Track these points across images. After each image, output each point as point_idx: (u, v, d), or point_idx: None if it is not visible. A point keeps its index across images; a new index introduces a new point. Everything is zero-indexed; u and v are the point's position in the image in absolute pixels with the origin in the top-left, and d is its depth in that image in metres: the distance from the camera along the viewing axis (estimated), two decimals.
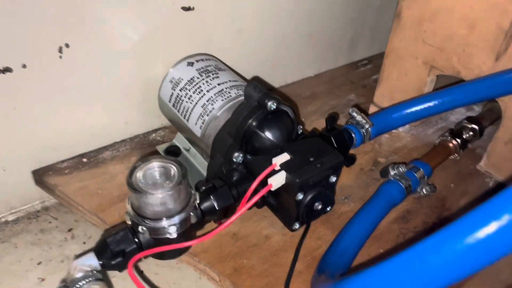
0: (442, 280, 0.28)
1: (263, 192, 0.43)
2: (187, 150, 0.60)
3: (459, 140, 0.60)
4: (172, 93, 0.56)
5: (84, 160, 0.60)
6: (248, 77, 0.74)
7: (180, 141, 0.62)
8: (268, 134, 0.47)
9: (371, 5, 0.86)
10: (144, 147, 0.64)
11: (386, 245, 0.52)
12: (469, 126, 0.61)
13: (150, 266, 0.51)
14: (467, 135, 0.61)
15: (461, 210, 0.58)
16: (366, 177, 0.62)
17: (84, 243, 0.55)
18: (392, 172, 0.53)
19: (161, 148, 0.62)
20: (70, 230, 0.57)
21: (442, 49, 0.57)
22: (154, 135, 0.67)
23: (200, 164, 0.58)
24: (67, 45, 0.52)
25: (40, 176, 0.57)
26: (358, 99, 0.80)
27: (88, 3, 0.51)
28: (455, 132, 0.61)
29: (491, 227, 0.26)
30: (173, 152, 0.60)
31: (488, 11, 0.51)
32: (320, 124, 0.72)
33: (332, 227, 0.53)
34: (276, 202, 0.48)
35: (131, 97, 0.62)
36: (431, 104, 0.55)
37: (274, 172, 0.44)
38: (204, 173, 0.56)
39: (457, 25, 0.54)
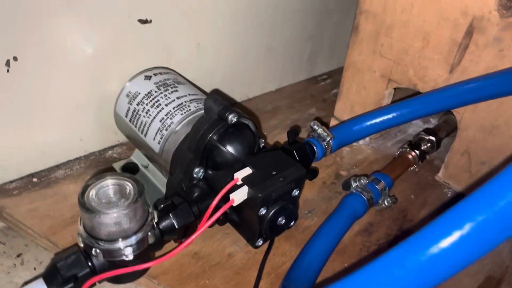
0: None
1: (225, 208, 0.41)
2: (146, 167, 0.58)
3: (417, 152, 0.61)
4: (129, 108, 0.54)
5: (35, 180, 0.57)
6: (209, 91, 0.73)
7: (138, 158, 0.59)
8: (230, 148, 0.46)
9: (329, 21, 0.87)
10: (100, 165, 0.61)
11: (350, 259, 0.52)
12: (427, 137, 0.62)
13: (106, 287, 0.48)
14: (425, 146, 0.62)
15: (422, 221, 0.58)
16: (328, 190, 0.62)
17: (35, 269, 0.52)
18: (354, 185, 0.53)
19: (118, 165, 0.59)
20: (19, 255, 0.53)
21: (399, 62, 0.58)
22: (110, 152, 0.64)
23: (159, 181, 0.56)
24: (15, 58, 0.49)
25: None
26: (319, 112, 0.80)
27: (37, 12, 0.48)
28: (414, 144, 0.62)
29: (454, 237, 0.26)
30: (131, 170, 0.58)
31: (441, 24, 0.52)
32: (282, 138, 0.72)
33: (296, 242, 0.52)
34: (238, 218, 0.47)
35: (86, 113, 0.59)
36: (390, 116, 0.55)
37: (236, 187, 0.43)
38: (163, 191, 0.54)
39: (412, 38, 0.56)
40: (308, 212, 0.58)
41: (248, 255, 0.50)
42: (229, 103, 0.67)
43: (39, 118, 0.55)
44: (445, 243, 0.26)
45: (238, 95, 0.80)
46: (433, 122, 0.77)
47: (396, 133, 0.75)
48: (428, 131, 0.64)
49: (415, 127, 0.76)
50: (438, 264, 0.26)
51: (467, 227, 0.25)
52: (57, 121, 0.57)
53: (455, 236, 0.25)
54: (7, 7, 0.46)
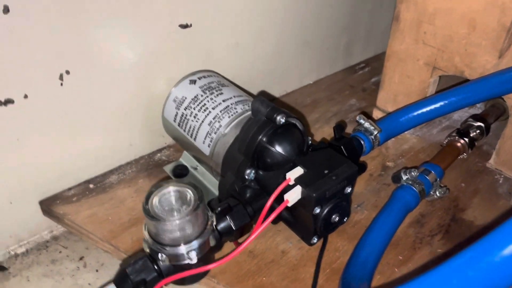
0: None
1: (280, 209, 0.42)
2: (195, 169, 0.60)
3: (466, 140, 0.59)
4: (177, 113, 0.55)
5: (91, 186, 0.59)
6: (249, 88, 0.74)
7: (186, 159, 0.61)
8: (279, 149, 0.47)
9: (364, 9, 0.86)
10: (150, 168, 0.63)
11: (404, 251, 0.52)
12: (475, 124, 0.61)
13: None
14: (474, 133, 0.61)
15: (474, 210, 0.57)
16: (376, 182, 0.62)
17: (97, 270, 0.54)
18: (404, 177, 0.53)
19: (168, 168, 0.61)
20: (81, 258, 0.56)
21: (444, 50, 0.57)
22: (159, 154, 0.66)
23: (210, 182, 0.57)
24: (67, 72, 0.52)
25: (48, 206, 0.56)
26: (359, 103, 0.80)
27: (84, 26, 0.50)
28: (462, 132, 0.61)
29: None
30: (181, 172, 0.60)
31: (488, 9, 0.51)
32: (324, 131, 0.72)
33: (348, 237, 0.53)
34: (292, 217, 0.48)
35: (134, 119, 0.61)
36: (437, 105, 0.55)
37: (289, 187, 0.44)
38: (214, 191, 0.55)
39: (457, 25, 0.54)
40: (358, 206, 0.58)
41: (302, 252, 0.51)
42: (270, 100, 0.67)
43: (91, 127, 0.57)
44: None
45: (276, 91, 0.81)
46: (479, 106, 0.75)
47: (441, 120, 0.73)
48: (476, 117, 0.62)
49: (461, 112, 0.74)
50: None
51: None
52: (108, 128, 0.59)
53: None
54: (57, 24, 0.48)
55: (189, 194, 0.39)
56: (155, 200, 0.38)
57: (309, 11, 0.76)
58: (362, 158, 0.64)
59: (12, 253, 0.56)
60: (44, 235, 0.58)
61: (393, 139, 0.68)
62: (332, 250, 0.51)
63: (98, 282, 0.53)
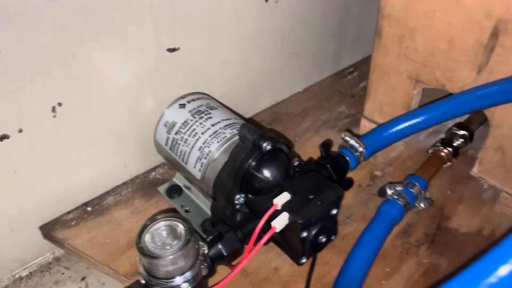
0: None
1: (267, 236, 0.44)
2: (188, 188, 0.62)
3: (450, 149, 0.61)
4: (168, 137, 0.57)
5: (89, 209, 0.62)
6: (239, 101, 0.75)
7: (180, 179, 0.63)
8: (267, 175, 0.49)
9: (350, 16, 0.87)
10: (146, 187, 0.65)
11: (392, 263, 0.54)
12: (459, 133, 0.63)
13: None
14: (458, 142, 0.62)
15: (459, 218, 0.59)
16: (365, 193, 0.64)
17: None
18: (389, 192, 0.55)
19: (162, 189, 0.63)
20: (83, 278, 0.58)
21: (425, 64, 0.58)
22: (153, 173, 0.68)
23: (202, 201, 0.59)
24: (59, 104, 0.53)
25: (48, 231, 0.58)
26: (348, 110, 0.81)
27: (73, 59, 0.52)
28: (446, 141, 0.63)
29: None
30: (175, 191, 0.62)
31: (466, 27, 0.52)
32: (314, 141, 0.73)
33: (338, 250, 0.55)
34: (281, 239, 0.50)
35: (128, 141, 0.63)
36: (419, 119, 0.56)
37: (276, 213, 0.46)
38: (207, 210, 0.57)
39: (437, 41, 0.56)
40: (347, 218, 0.60)
41: (293, 268, 0.53)
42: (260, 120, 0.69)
43: (86, 153, 0.59)
44: None
45: (267, 100, 0.82)
46: None
47: None
48: (459, 126, 0.64)
49: None
50: None
51: None
52: (102, 153, 0.61)
53: None
54: (47, 59, 0.49)
55: (179, 228, 0.41)
56: (147, 237, 0.40)
57: (296, 24, 0.77)
58: None
59: (17, 276, 0.58)
60: (47, 257, 0.61)
61: None
62: (321, 265, 0.53)
63: None
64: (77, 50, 0.51)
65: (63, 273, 0.60)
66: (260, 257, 0.55)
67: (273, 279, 0.52)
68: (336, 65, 0.92)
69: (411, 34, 0.58)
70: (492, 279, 0.26)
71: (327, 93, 0.86)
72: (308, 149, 0.72)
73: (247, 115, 0.79)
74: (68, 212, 0.61)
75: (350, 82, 0.90)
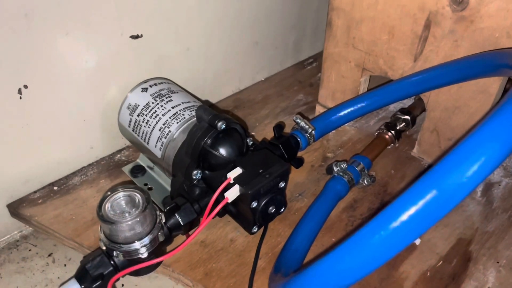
0: (380, 260, 0.33)
1: (220, 205, 0.48)
2: (151, 168, 0.65)
3: (393, 132, 0.67)
4: (131, 119, 0.61)
5: (55, 188, 0.64)
6: (202, 88, 0.79)
7: (143, 160, 0.66)
8: (221, 152, 0.53)
9: (310, 8, 0.92)
10: (111, 168, 0.68)
11: (337, 233, 0.59)
12: (402, 117, 0.69)
13: (130, 278, 0.56)
14: (401, 126, 0.68)
15: (400, 193, 0.65)
16: (316, 173, 0.69)
17: (65, 265, 0.60)
18: (335, 169, 0.60)
19: (126, 169, 0.66)
20: (50, 254, 0.61)
21: (370, 53, 0.64)
22: (119, 155, 0.71)
23: (165, 180, 0.63)
24: (25, 86, 0.56)
25: (15, 208, 0.61)
26: (306, 98, 0.86)
27: (38, 43, 0.54)
28: (390, 124, 0.68)
29: (411, 210, 0.31)
30: (139, 171, 0.65)
31: (403, 19, 0.58)
32: (272, 127, 0.78)
33: (289, 223, 0.60)
34: (235, 210, 0.54)
35: (93, 124, 0.66)
36: (363, 104, 0.62)
37: (229, 186, 0.50)
38: (168, 188, 0.61)
39: (380, 31, 0.61)
40: (299, 194, 0.65)
41: (248, 239, 0.58)
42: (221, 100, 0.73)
43: (52, 134, 0.62)
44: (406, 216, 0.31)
45: (230, 88, 0.86)
46: (413, 97, 0.82)
47: (379, 111, 0.81)
48: (403, 111, 0.70)
49: (396, 103, 0.82)
50: (400, 234, 0.32)
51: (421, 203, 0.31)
52: (68, 134, 0.64)
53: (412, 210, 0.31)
54: (13, 42, 0.52)
55: (138, 197, 0.45)
56: (107, 205, 0.44)
57: (258, 14, 0.81)
58: (306, 151, 0.71)
59: None
60: (14, 235, 0.63)
61: (334, 131, 0.76)
62: (274, 236, 0.58)
63: (66, 276, 0.58)
64: (42, 35, 0.54)
65: (30, 250, 0.62)
66: (218, 230, 0.59)
67: (229, 249, 0.57)
68: (296, 56, 0.97)
69: (357, 25, 0.63)
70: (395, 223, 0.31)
71: (287, 82, 0.91)
72: (267, 133, 0.77)
73: (211, 101, 0.83)
74: (35, 191, 0.63)
75: (309, 72, 0.95)
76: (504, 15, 0.49)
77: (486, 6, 0.49)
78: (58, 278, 0.58)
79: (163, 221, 0.48)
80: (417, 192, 0.31)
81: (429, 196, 0.30)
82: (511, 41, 0.50)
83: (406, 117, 0.68)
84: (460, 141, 0.31)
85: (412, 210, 0.30)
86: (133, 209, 0.44)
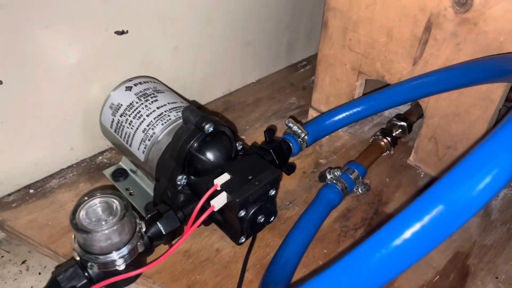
0: (379, 281, 0.30)
1: (205, 214, 0.45)
2: (134, 172, 0.62)
3: (389, 138, 0.64)
4: (113, 119, 0.57)
5: (31, 191, 0.61)
6: (191, 88, 0.76)
7: (126, 163, 0.63)
8: (208, 156, 0.50)
9: (304, 9, 0.89)
10: (92, 171, 0.65)
11: (329, 244, 0.56)
12: (398, 123, 0.66)
13: None
14: (397, 132, 0.65)
15: (396, 203, 0.62)
16: (308, 180, 0.66)
17: (40, 273, 0.56)
18: (328, 176, 0.57)
19: (108, 172, 0.63)
20: (24, 262, 0.57)
21: (367, 56, 0.61)
22: (101, 157, 0.67)
23: (148, 185, 0.59)
24: (0, 82, 0.52)
25: None
26: (298, 101, 0.83)
27: (18, 36, 0.51)
28: (386, 131, 0.66)
29: (416, 227, 0.28)
30: (121, 175, 0.62)
31: (402, 20, 0.55)
32: (263, 130, 0.75)
33: (279, 233, 0.57)
34: (221, 219, 0.51)
35: (74, 123, 0.62)
36: (359, 109, 0.59)
37: (216, 193, 0.47)
38: (151, 193, 0.58)
39: (377, 33, 0.58)
40: (290, 202, 0.62)
41: (235, 249, 0.54)
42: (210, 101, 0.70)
43: (30, 133, 0.58)
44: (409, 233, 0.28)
45: (220, 90, 0.83)
46: (410, 103, 0.80)
47: (373, 117, 0.78)
48: (399, 117, 0.67)
49: (392, 109, 0.79)
50: (402, 253, 0.29)
51: (426, 218, 0.27)
52: (47, 134, 0.60)
53: (417, 226, 0.28)
54: None
55: (115, 204, 0.41)
56: (82, 213, 0.40)
57: (249, 13, 0.78)
58: (298, 157, 0.68)
59: None
60: None
61: (327, 137, 0.73)
62: (263, 246, 0.55)
63: (40, 285, 0.54)
64: (19, 27, 0.51)
65: (3, 256, 0.58)
66: (204, 239, 0.56)
67: (215, 260, 0.53)
68: (289, 58, 0.94)
69: (354, 26, 0.60)
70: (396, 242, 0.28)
71: (279, 85, 0.88)
72: (257, 137, 0.74)
73: (200, 102, 0.80)
74: (9, 194, 0.60)
75: (302, 75, 0.92)
76: (510, 18, 0.46)
77: (491, 8, 0.47)
78: (32, 287, 0.54)
79: (143, 230, 0.44)
80: (422, 206, 0.28)
81: (435, 211, 0.27)
82: None
83: (403, 123, 0.66)
84: (470, 151, 0.28)
85: (417, 227, 0.27)
86: (110, 217, 0.40)
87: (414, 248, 0.28)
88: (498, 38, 0.48)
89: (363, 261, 0.30)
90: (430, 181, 0.63)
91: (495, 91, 0.51)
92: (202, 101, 0.81)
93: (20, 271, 0.56)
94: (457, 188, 0.27)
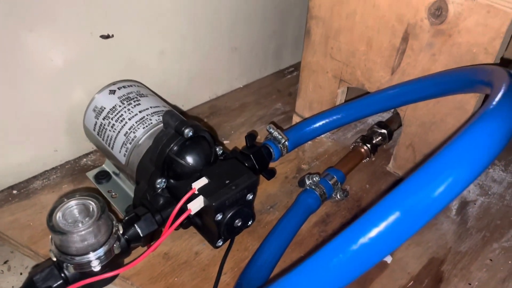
0: (340, 282, 0.31)
1: (182, 218, 0.46)
2: (117, 175, 0.62)
3: (369, 145, 0.65)
4: (96, 122, 0.58)
5: (14, 192, 0.61)
6: (177, 93, 0.77)
7: (109, 166, 0.64)
8: (188, 160, 0.51)
9: (292, 15, 0.90)
10: (75, 173, 0.65)
11: (307, 249, 0.57)
12: (379, 131, 0.67)
13: None
14: (377, 139, 0.67)
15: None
16: (290, 185, 0.67)
17: (21, 274, 0.56)
18: (307, 182, 0.58)
19: (91, 174, 0.63)
20: (6, 262, 0.58)
21: (348, 64, 0.62)
22: (85, 159, 0.68)
23: (130, 188, 0.60)
24: None
25: None
26: (284, 107, 0.84)
27: (2, 38, 0.52)
28: (366, 138, 0.67)
29: (373, 232, 0.29)
30: (103, 178, 0.62)
31: (381, 30, 0.56)
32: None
33: (258, 236, 0.57)
34: (200, 222, 0.52)
35: (58, 125, 0.63)
36: (339, 116, 0.60)
37: (194, 196, 0.48)
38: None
39: (358, 42, 0.60)
40: (271, 207, 0.62)
41: (214, 252, 0.55)
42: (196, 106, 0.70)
43: (13, 134, 0.59)
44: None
45: (207, 94, 0.84)
46: (391, 111, 0.81)
47: (356, 123, 0.79)
48: (380, 124, 0.68)
49: (375, 116, 0.80)
50: (368, 251, 0.30)
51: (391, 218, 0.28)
52: (31, 136, 0.61)
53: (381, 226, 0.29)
54: None
55: (92, 206, 0.42)
56: (58, 215, 0.41)
57: (236, 19, 0.79)
58: (280, 162, 0.69)
59: None
60: None
61: (310, 142, 0.74)
62: (241, 250, 0.56)
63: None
64: (3, 30, 0.51)
65: None
66: (183, 242, 0.56)
67: (193, 263, 0.54)
68: (277, 65, 0.95)
69: (335, 35, 0.62)
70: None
71: (266, 91, 0.89)
72: (242, 142, 0.74)
73: (186, 107, 0.81)
74: None
75: (289, 81, 0.93)
76: (482, 31, 0.47)
77: (464, 20, 0.48)
78: (13, 287, 0.55)
79: (121, 232, 0.45)
80: (380, 213, 0.29)
81: (391, 218, 0.28)
82: (489, 57, 0.48)
83: (383, 131, 0.67)
84: (429, 159, 0.29)
85: (374, 232, 0.28)
86: (87, 218, 0.41)
87: (371, 252, 0.29)
88: (472, 49, 0.49)
89: (322, 264, 0.31)
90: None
91: (469, 101, 0.52)
92: (189, 105, 0.81)
93: (2, 271, 0.57)
94: (413, 195, 0.28)
